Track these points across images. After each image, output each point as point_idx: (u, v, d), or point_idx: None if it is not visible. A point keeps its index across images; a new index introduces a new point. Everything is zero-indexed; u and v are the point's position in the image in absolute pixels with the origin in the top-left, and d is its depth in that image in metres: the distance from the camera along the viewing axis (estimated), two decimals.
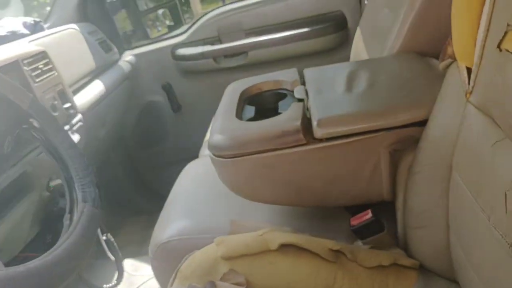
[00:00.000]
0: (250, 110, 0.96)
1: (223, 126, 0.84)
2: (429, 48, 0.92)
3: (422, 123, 0.72)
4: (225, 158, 0.79)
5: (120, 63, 1.79)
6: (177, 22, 2.21)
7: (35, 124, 0.69)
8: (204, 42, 1.84)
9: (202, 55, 1.79)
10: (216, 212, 0.93)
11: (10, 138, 0.65)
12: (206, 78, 1.86)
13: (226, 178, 0.83)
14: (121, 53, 1.86)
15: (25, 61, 1.06)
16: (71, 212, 0.64)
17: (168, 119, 1.96)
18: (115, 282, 1.18)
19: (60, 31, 1.48)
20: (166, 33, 2.07)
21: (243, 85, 1.04)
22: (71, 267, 0.52)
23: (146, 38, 2.06)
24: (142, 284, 1.30)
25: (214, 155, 0.81)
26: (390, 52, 1.02)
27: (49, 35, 1.39)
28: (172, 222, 0.93)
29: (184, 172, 1.18)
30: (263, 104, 1.01)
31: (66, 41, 1.45)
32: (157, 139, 1.99)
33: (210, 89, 1.87)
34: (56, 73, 1.17)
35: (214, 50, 1.79)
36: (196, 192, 1.04)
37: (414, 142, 0.74)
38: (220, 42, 1.83)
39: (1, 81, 0.64)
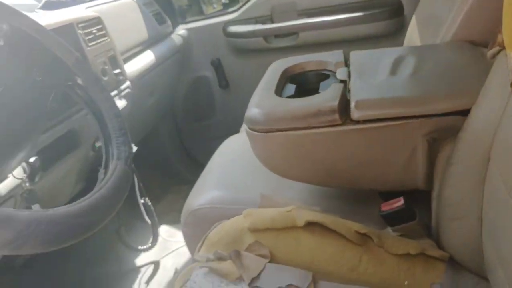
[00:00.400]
0: (291, 88, 0.96)
1: (260, 100, 0.85)
2: (483, 38, 0.88)
3: (465, 113, 0.70)
4: (259, 132, 0.80)
5: (173, 36, 1.82)
6: (232, 0, 2.22)
7: (79, 81, 0.72)
8: (256, 20, 1.83)
9: (253, 34, 1.79)
10: (249, 185, 0.95)
11: (55, 93, 0.69)
12: (256, 57, 1.86)
13: (259, 152, 0.84)
14: (174, 26, 1.90)
15: (80, 25, 1.10)
16: (105, 167, 0.68)
17: (216, 95, 1.98)
18: (150, 244, 1.23)
19: (116, 0, 1.52)
20: (220, 11, 2.09)
21: (287, 64, 1.04)
22: (97, 219, 0.54)
23: (200, 14, 2.08)
24: (175, 250, 1.34)
25: (250, 128, 0.82)
26: (443, 40, 0.98)
27: (105, 3, 1.44)
28: (205, 191, 0.95)
29: (223, 145, 1.20)
30: (305, 84, 1.00)
31: (121, 10, 1.49)
32: (204, 113, 2.03)
33: (258, 68, 1.87)
34: (109, 39, 1.21)
35: (265, 29, 1.78)
36: (232, 165, 1.06)
37: (454, 132, 0.71)
38: (272, 21, 1.82)
39: (49, 37, 0.67)
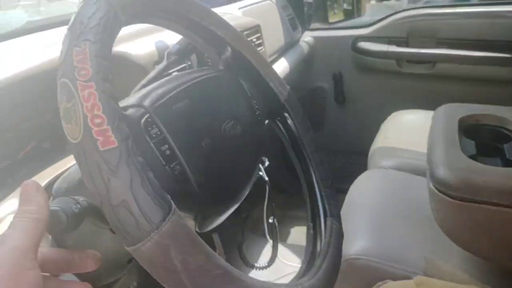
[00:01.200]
0: (468, 145, 0.88)
1: (449, 160, 0.77)
2: None
3: None
4: (451, 198, 0.73)
5: (301, 43, 1.77)
6: (355, 7, 2.13)
7: (288, 120, 0.68)
8: (389, 40, 1.74)
9: (386, 55, 1.71)
10: (408, 242, 0.88)
11: (267, 126, 0.65)
12: (382, 78, 1.77)
13: (443, 218, 0.77)
14: (302, 32, 1.84)
15: (244, 33, 1.07)
16: (313, 222, 0.63)
17: (329, 108, 1.92)
18: (266, 264, 1.19)
19: (260, 1, 1.48)
20: (341, 20, 2.00)
21: (459, 111, 0.96)
22: (328, 284, 0.50)
23: (325, 21, 2.01)
24: (288, 274, 1.30)
25: (438, 190, 0.75)
26: None
27: (252, 4, 1.40)
28: (358, 238, 0.89)
29: (360, 182, 1.12)
30: (480, 139, 0.92)
31: (264, 12, 1.45)
32: (313, 125, 1.97)
33: (382, 90, 1.79)
34: (264, 48, 1.18)
35: (400, 52, 1.69)
36: (379, 209, 0.99)
37: None
38: (407, 45, 1.72)
39: (266, 67, 0.62)
